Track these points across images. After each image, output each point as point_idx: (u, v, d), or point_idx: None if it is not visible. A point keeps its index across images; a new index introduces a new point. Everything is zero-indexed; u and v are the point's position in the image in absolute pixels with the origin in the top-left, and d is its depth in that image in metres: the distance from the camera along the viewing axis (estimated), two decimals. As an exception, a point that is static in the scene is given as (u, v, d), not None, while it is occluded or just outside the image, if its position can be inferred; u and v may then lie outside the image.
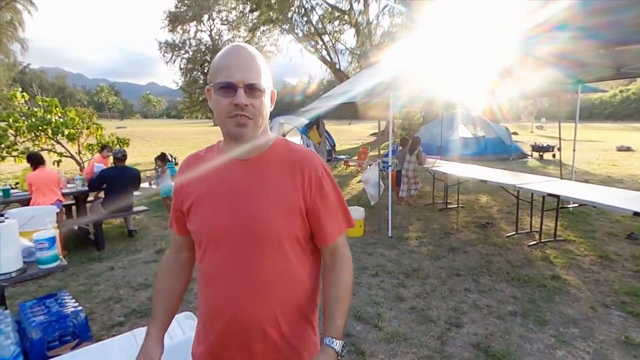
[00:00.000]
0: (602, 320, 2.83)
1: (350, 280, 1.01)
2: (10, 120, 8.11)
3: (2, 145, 8.08)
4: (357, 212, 4.90)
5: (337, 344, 0.92)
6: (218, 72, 0.89)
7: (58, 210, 4.16)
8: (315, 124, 7.95)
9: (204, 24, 47.30)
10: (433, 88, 5.42)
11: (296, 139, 13.75)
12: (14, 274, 2.03)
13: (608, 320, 2.82)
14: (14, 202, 4.56)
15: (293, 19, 26.07)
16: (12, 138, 8.18)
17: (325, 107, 6.96)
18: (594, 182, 7.66)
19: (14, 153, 8.09)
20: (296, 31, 27.10)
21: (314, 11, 25.48)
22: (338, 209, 1.01)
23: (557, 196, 4.00)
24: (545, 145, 14.02)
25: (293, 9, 25.48)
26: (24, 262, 2.15)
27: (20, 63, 43.49)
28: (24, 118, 8.35)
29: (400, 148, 6.72)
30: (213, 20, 47.05)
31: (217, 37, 47.56)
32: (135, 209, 4.98)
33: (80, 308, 2.04)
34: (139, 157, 15.79)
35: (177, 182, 1.05)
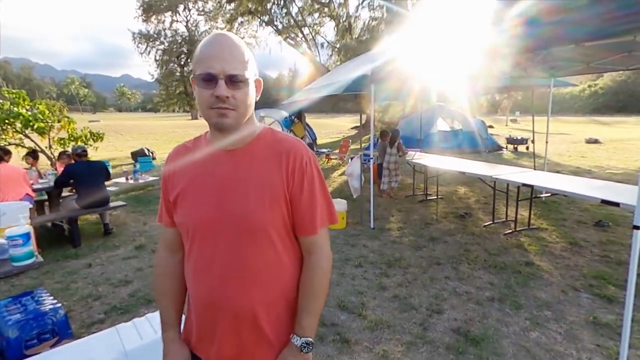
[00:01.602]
0: (572, 302, 2.98)
1: (325, 279, 1.00)
2: (-27, 113, 7.70)
3: (-34, 140, 7.66)
4: (340, 205, 4.94)
5: (299, 341, 0.96)
6: (199, 63, 0.87)
7: (30, 206, 4.00)
8: (298, 117, 7.91)
9: (179, 14, 45.90)
10: (413, 82, 5.50)
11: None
12: (-14, 272, 1.95)
13: (577, 303, 2.97)
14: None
15: (272, 11, 25.72)
16: (-25, 132, 7.77)
17: (307, 100, 6.95)
18: (565, 173, 8.00)
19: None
20: (275, 23, 26.75)
21: (294, 3, 25.21)
22: (321, 201, 1.00)
23: (531, 186, 4.16)
24: (519, 138, 14.48)
25: (272, 0, 25.12)
26: (-3, 260, 2.06)
27: (-19, 53, 41.03)
28: (-11, 111, 7.93)
29: (380, 141, 6.79)
30: (189, 10, 45.71)
31: (193, 28, 46.32)
32: (112, 204, 4.85)
33: (59, 305, 1.98)
34: (114, 151, 15.30)
35: (164, 172, 1.04)
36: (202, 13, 44.60)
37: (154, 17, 45.56)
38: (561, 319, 2.75)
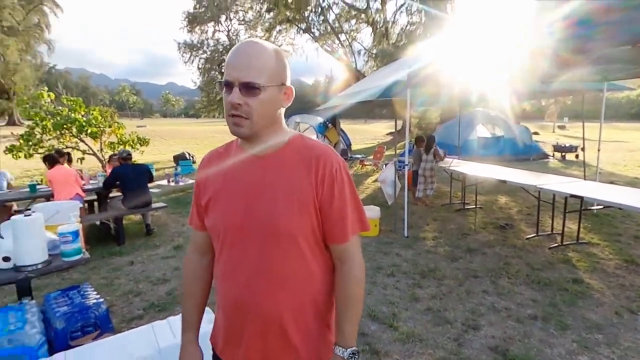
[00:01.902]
0: (627, 326, 2.72)
1: (359, 288, 0.99)
2: (37, 118, 8.42)
3: (30, 143, 8.38)
4: (373, 212, 4.87)
5: (346, 353, 0.94)
6: (224, 70, 0.90)
7: (80, 205, 4.30)
8: (332, 123, 7.93)
9: (221, 24, 47.80)
10: (452, 87, 5.34)
11: (312, 138, 13.83)
12: (39, 266, 2.11)
13: (634, 327, 2.71)
14: (40, 197, 4.73)
15: (310, 18, 26.14)
16: (38, 136, 8.48)
17: (341, 105, 6.96)
18: (620, 184, 7.39)
19: (40, 150, 8.38)
20: (312, 30, 27.16)
21: (331, 10, 25.47)
22: (352, 208, 0.98)
23: (581, 197, 3.87)
24: (567, 145, 13.60)
25: (310, 7, 25.53)
26: (49, 255, 2.22)
27: (46, 64, 45.05)
28: (49, 117, 8.64)
29: (416, 147, 6.63)
30: (230, 20, 47.47)
31: (234, 37, 48.08)
32: (154, 205, 5.09)
33: (101, 300, 2.10)
34: (158, 155, 16.11)
35: (197, 177, 1.06)
36: (243, 22, 46.26)
37: (197, 27, 47.86)
38: (614, 343, 2.52)
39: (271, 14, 28.91)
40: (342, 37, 26.10)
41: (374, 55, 22.79)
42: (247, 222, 0.94)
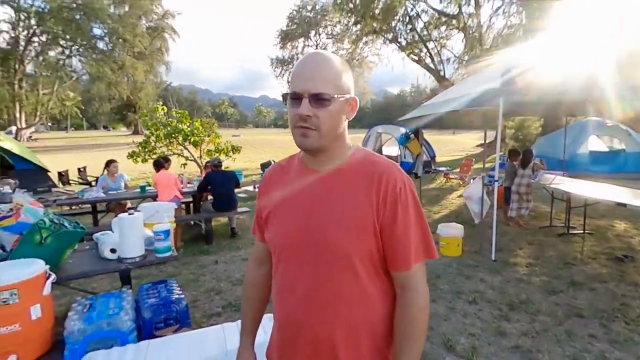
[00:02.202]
0: None
1: (422, 320, 0.89)
2: (153, 129, 9.81)
3: (146, 150, 9.77)
4: (455, 230, 4.51)
5: None
6: (290, 82, 0.88)
7: (176, 206, 4.83)
8: (415, 133, 7.63)
9: (310, 39, 50.28)
10: (555, 92, 4.70)
11: (394, 149, 13.49)
12: (137, 259, 2.40)
13: None
14: (148, 197, 5.45)
15: (396, 28, 25.82)
16: (152, 144, 9.84)
17: (427, 115, 6.65)
18: None
19: (154, 156, 9.71)
20: (399, 40, 26.78)
21: (419, 18, 24.82)
22: (417, 232, 0.90)
23: None
24: None
25: (397, 17, 25.24)
26: (146, 250, 2.51)
27: (164, 82, 52.40)
28: (162, 127, 9.98)
29: (509, 161, 5.98)
30: (319, 35, 49.68)
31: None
32: (239, 209, 5.47)
33: (182, 296, 2.29)
34: (247, 162, 17.33)
35: (259, 189, 1.08)
36: (331, 36, 48.00)
37: (289, 43, 51.20)
38: None
39: (358, 26, 29.34)
40: (430, 45, 25.19)
41: (464, 62, 21.45)
42: (302, 239, 0.91)
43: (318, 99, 0.84)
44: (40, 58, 34.16)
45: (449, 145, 26.74)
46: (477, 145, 25.00)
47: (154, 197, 5.16)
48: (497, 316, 3.06)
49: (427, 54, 25.89)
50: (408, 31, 25.73)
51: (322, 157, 0.92)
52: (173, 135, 9.85)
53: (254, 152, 23.45)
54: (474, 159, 10.35)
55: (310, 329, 0.91)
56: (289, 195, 0.97)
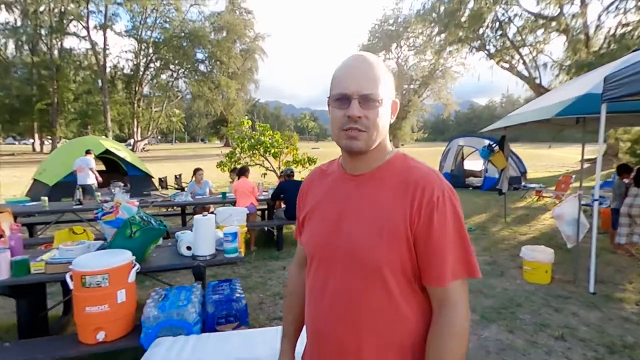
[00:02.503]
0: None
1: (459, 343, 0.80)
2: (238, 141, 10.69)
3: (232, 160, 10.67)
4: (543, 254, 3.98)
5: None
6: (334, 84, 0.87)
7: (250, 212, 5.15)
8: (500, 146, 6.99)
9: (392, 52, 50.14)
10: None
11: (477, 164, 12.54)
12: (208, 257, 2.60)
13: None
14: (228, 203, 5.91)
15: (484, 35, 24.27)
16: (237, 155, 10.71)
17: (513, 126, 6.09)
18: None
19: (238, 166, 10.55)
20: (487, 47, 25.12)
21: (511, 23, 22.99)
22: (455, 246, 0.82)
23: None
24: None
25: (486, 24, 23.74)
26: (216, 250, 2.71)
27: (253, 99, 56.74)
28: (246, 140, 10.81)
29: (618, 178, 5.11)
30: (401, 47, 49.27)
31: (403, 63, 49.49)
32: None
33: (243, 296, 2.41)
34: (324, 174, 17.83)
35: (299, 192, 1.08)
36: (413, 48, 47.17)
37: (369, 57, 51.62)
38: None
39: (442, 36, 28.33)
40: (524, 50, 23.09)
41: (566, 68, 19.15)
42: (331, 245, 0.89)
43: (368, 100, 0.82)
44: (154, 81, 39.89)
45: (544, 160, 23.93)
46: (580, 161, 21.95)
47: (233, 203, 5.57)
48: (590, 358, 2.60)
49: (520, 60, 23.79)
50: (498, 37, 24.01)
51: (362, 161, 0.90)
52: (256, 147, 10.59)
53: (331, 164, 23.96)
54: (574, 176, 9.08)
55: (334, 338, 0.88)
56: (324, 199, 0.96)
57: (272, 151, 10.77)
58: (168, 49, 36.87)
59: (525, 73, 23.41)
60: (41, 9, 31.11)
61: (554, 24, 21.19)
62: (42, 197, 5.08)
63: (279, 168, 11.38)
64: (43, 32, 32.70)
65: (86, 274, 2.02)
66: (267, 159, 11.14)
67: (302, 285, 1.08)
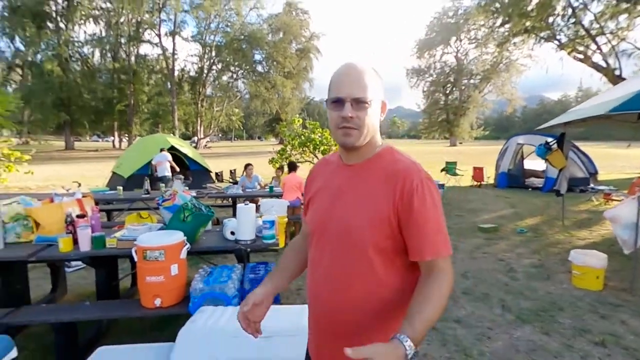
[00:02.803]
0: None
1: (443, 292, 0.90)
2: (289, 138, 11.14)
3: (283, 156, 11.15)
4: (594, 259, 3.74)
5: (409, 344, 0.78)
6: (330, 89, 1.02)
7: (296, 206, 5.44)
8: (558, 144, 6.53)
9: (450, 46, 48.06)
10: None
11: (538, 163, 11.66)
12: (248, 242, 2.90)
13: None
14: (275, 196, 6.28)
15: (554, 24, 22.31)
16: (288, 152, 11.16)
17: (572, 122, 5.69)
18: None
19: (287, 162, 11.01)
20: (558, 37, 23.05)
21: (586, 10, 20.84)
22: (431, 229, 0.94)
23: None
24: None
25: (556, 12, 21.81)
26: (256, 236, 3.01)
27: (307, 97, 57.89)
28: (297, 137, 11.21)
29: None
30: (460, 41, 47.03)
31: (462, 57, 47.21)
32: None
33: (276, 277, 2.67)
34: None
35: (307, 179, 1.26)
36: (473, 41, 44.76)
37: (426, 53, 50.04)
38: None
39: (505, 27, 26.55)
40: (602, 39, 20.81)
41: (652, 57, 16.97)
42: (327, 225, 1.05)
43: (359, 102, 0.97)
44: (216, 82, 42.48)
45: (622, 161, 21.47)
46: (670, 162, 19.32)
47: (279, 196, 5.92)
48: (632, 367, 2.47)
49: (597, 50, 21.49)
50: (570, 26, 21.92)
51: (356, 153, 1.04)
52: (306, 144, 10.96)
53: (382, 162, 23.74)
54: (652, 178, 8.12)
55: (327, 301, 1.04)
56: (324, 184, 1.12)
57: (322, 148, 11.05)
58: (229, 52, 39.05)
59: (603, 64, 21.12)
60: (121, 20, 34.70)
61: (639, 7, 18.87)
62: (118, 187, 5.84)
63: (327, 165, 11.66)
64: (123, 40, 36.53)
65: (147, 249, 2.40)
66: (316, 156, 11.44)
67: (301, 246, 1.26)
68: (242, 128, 67.52)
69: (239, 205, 2.96)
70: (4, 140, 11.12)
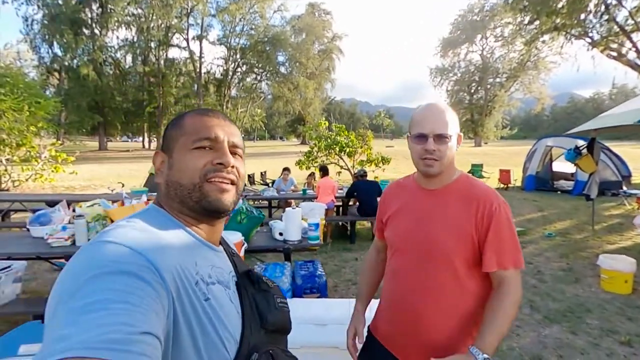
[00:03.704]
0: None
1: (511, 305, 1.08)
2: (316, 141, 11.46)
3: (309, 159, 11.49)
4: (623, 263, 3.86)
5: (481, 356, 0.97)
6: (414, 125, 1.17)
7: (329, 208, 5.76)
8: (589, 148, 6.54)
9: (476, 44, 47.17)
10: None
11: (568, 166, 11.47)
12: (295, 242, 3.24)
13: None
14: (308, 199, 6.62)
15: (586, 21, 21.65)
16: (314, 154, 11.48)
17: (601, 127, 5.73)
18: None
19: (315, 164, 11.33)
20: (590, 34, 22.35)
21: (621, 5, 20.12)
22: (508, 244, 1.12)
23: None
24: None
25: (588, 9, 21.16)
26: (302, 237, 3.34)
27: (329, 97, 58.19)
28: (323, 139, 11.52)
29: None
30: (486, 39, 46.07)
31: (488, 55, 46.21)
32: (380, 216, 6.04)
33: (323, 273, 2.99)
34: (397, 173, 17.79)
35: (382, 199, 1.41)
36: (500, 39, 43.75)
37: (450, 51, 49.32)
38: None
39: (534, 24, 25.93)
40: (637, 36, 20.05)
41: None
42: (413, 241, 1.20)
43: (441, 137, 1.12)
44: (241, 84, 43.42)
45: (661, 163, 20.56)
46: None
47: (312, 199, 6.25)
48: (656, 365, 2.63)
49: (632, 48, 20.71)
50: (603, 23, 21.21)
51: (435, 179, 1.20)
52: (332, 147, 11.25)
53: (405, 163, 23.58)
54: (688, 182, 7.96)
55: (411, 308, 1.19)
56: (405, 205, 1.27)
57: (347, 150, 11.31)
58: (253, 54, 39.88)
59: (638, 61, 20.36)
60: (152, 25, 36.08)
61: (678, 2, 18.10)
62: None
63: (353, 167, 11.88)
64: (152, 45, 37.93)
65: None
66: (342, 158, 11.71)
67: (378, 263, 1.44)
68: (264, 128, 68.58)
69: (288, 210, 3.29)
70: (52, 143, 12.01)
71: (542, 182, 11.52)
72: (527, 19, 26.60)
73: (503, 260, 1.10)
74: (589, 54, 23.06)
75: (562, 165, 11.95)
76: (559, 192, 11.10)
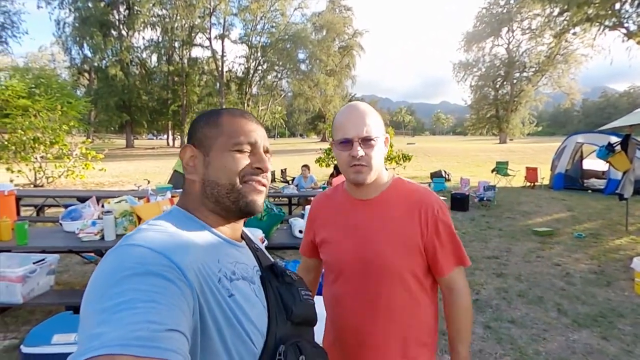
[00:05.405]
0: None
1: (466, 312, 1.10)
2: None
3: (329, 156, 11.50)
4: (657, 267, 3.66)
5: None
6: (337, 130, 1.06)
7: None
8: (623, 145, 6.23)
9: (501, 37, 45.68)
10: None
11: (599, 163, 10.97)
12: (315, 240, 3.25)
13: None
14: (327, 196, 6.62)
15: (621, 11, 20.58)
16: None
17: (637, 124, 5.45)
18: None
19: (335, 162, 11.32)
20: (625, 25, 21.26)
21: (660, -6, 18.99)
22: (453, 245, 1.09)
23: None
24: None
25: (623, -1, 20.12)
26: (321, 234, 3.35)
27: (349, 94, 57.79)
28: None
29: None
30: (512, 32, 44.52)
31: (514, 49, 44.66)
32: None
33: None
34: (419, 170, 17.47)
35: (309, 215, 1.25)
36: (527, 31, 42.17)
37: (475, 45, 47.95)
38: None
39: (564, 15, 24.90)
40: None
41: None
42: (357, 261, 1.08)
43: (366, 141, 1.02)
44: (261, 82, 43.84)
45: None
46: None
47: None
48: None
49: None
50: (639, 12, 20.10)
51: (368, 188, 1.09)
52: (351, 144, 11.22)
53: (427, 160, 23.26)
54: None
55: (362, 333, 1.08)
56: (341, 222, 1.13)
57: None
58: (274, 52, 40.15)
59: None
60: (176, 25, 36.93)
61: None
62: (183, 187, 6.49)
63: (373, 164, 11.80)
64: (176, 44, 38.85)
65: (234, 243, 2.82)
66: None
67: (310, 285, 1.26)
68: (284, 126, 68.96)
69: (307, 207, 3.30)
70: (82, 141, 12.53)
71: (571, 181, 11.05)
72: (556, 10, 25.62)
73: (451, 263, 1.09)
74: (624, 45, 21.97)
75: (593, 163, 11.45)
76: (589, 191, 10.63)
